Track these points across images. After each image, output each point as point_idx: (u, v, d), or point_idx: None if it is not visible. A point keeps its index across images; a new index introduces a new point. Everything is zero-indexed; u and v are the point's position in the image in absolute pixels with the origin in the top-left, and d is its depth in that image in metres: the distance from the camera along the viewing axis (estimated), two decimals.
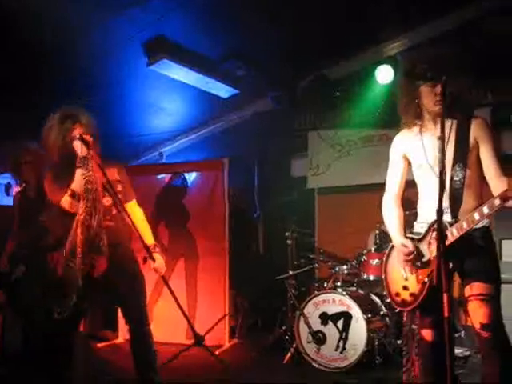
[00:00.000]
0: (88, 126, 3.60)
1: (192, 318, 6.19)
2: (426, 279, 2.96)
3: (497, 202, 2.63)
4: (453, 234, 2.83)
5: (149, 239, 3.77)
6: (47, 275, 3.59)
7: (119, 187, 3.71)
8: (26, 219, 4.89)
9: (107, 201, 3.59)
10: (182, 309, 3.88)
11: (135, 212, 3.83)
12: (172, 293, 3.76)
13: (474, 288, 2.90)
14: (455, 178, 2.96)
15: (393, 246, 3.31)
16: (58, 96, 5.55)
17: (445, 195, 2.81)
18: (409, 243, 3.08)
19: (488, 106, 6.04)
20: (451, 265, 2.79)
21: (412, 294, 3.07)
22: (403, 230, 3.25)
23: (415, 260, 3.05)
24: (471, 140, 2.98)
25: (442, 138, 2.65)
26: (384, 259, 3.38)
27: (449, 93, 2.79)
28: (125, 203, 3.71)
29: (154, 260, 3.67)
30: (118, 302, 3.76)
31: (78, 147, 3.45)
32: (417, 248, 3.06)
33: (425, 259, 3.02)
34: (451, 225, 2.87)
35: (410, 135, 3.23)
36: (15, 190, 6.80)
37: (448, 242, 2.77)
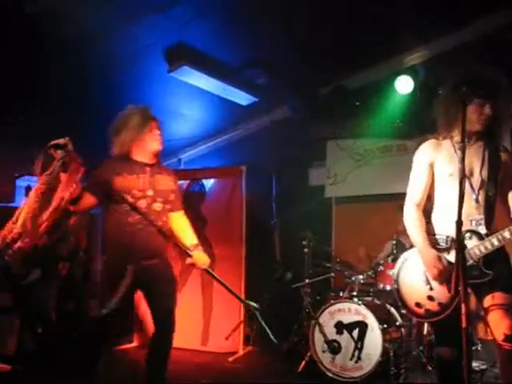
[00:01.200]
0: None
1: (207, 324, 6.22)
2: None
3: None
4: (493, 244, 2.89)
5: (190, 240, 3.83)
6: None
7: (171, 197, 3.79)
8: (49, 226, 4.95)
9: (158, 206, 3.64)
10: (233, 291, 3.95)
11: (181, 222, 3.91)
12: (221, 282, 3.81)
13: (496, 298, 2.88)
14: (489, 194, 3.01)
15: (406, 259, 3.29)
16: (79, 103, 5.66)
17: (479, 208, 2.97)
18: (443, 258, 3.06)
19: None
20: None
21: (440, 304, 3.03)
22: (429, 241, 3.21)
23: (448, 273, 2.98)
24: (503, 161, 3.08)
25: (463, 149, 2.65)
26: (397, 269, 3.34)
27: (495, 115, 2.92)
28: (172, 212, 3.82)
29: (190, 256, 3.71)
30: (150, 302, 3.72)
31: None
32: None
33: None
34: (487, 235, 2.91)
35: (439, 145, 3.23)
36: None
37: (486, 252, 2.89)
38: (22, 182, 7.10)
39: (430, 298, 3.07)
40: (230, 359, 5.79)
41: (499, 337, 2.85)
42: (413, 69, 6.10)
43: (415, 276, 3.19)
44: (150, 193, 3.61)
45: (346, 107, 6.71)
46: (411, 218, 3.26)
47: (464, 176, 2.59)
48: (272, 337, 3.93)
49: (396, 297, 3.32)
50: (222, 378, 5.13)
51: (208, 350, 6.20)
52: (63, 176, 3.42)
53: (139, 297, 3.67)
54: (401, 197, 6.33)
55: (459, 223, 2.48)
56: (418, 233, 3.19)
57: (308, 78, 6.45)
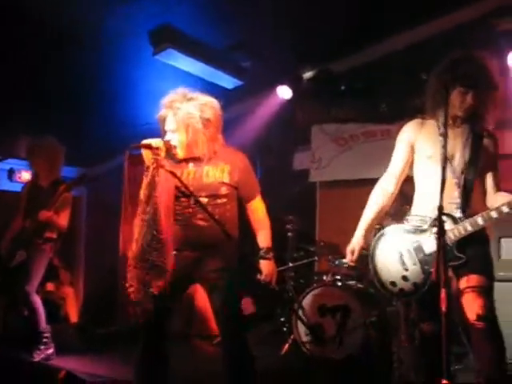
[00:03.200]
0: None
1: (191, 308, 6.24)
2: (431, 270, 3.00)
3: None
4: (466, 229, 2.92)
5: (261, 241, 3.51)
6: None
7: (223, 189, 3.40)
8: (34, 208, 4.94)
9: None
10: None
11: (255, 210, 3.55)
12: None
13: (470, 280, 2.96)
14: (468, 177, 3.07)
15: (382, 235, 3.35)
16: (65, 87, 5.61)
17: (457, 192, 3.03)
18: (357, 249, 3.34)
19: None
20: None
21: (415, 284, 3.10)
22: (371, 227, 3.40)
23: (419, 251, 3.10)
24: (484, 146, 3.14)
25: (444, 135, 2.68)
26: (372, 248, 3.39)
27: (477, 104, 3.02)
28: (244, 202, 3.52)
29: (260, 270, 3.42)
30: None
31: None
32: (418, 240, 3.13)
33: (430, 251, 3.04)
34: (460, 219, 2.97)
35: (423, 124, 3.29)
36: (20, 177, 6.87)
37: (460, 236, 2.93)
38: (4, 165, 7.06)
39: (405, 278, 3.13)
40: (214, 342, 5.81)
41: (472, 316, 2.92)
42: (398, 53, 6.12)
43: (390, 255, 3.25)
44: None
45: (331, 91, 6.72)
46: (372, 198, 3.47)
47: (446, 161, 2.62)
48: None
49: (372, 273, 3.35)
50: (205, 360, 5.15)
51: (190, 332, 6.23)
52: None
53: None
54: None
55: (440, 208, 2.52)
56: (366, 213, 3.42)
57: (293, 61, 6.43)
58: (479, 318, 2.89)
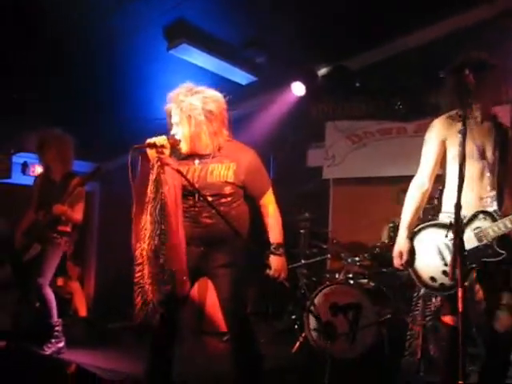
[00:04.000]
0: None
1: (202, 304, 6.23)
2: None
3: None
4: (506, 226, 2.95)
5: (272, 236, 3.49)
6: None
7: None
8: (46, 201, 4.95)
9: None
10: None
11: (265, 206, 3.54)
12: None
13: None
14: (500, 172, 3.11)
15: (420, 229, 3.34)
16: (78, 81, 5.62)
17: (489, 186, 3.09)
18: (405, 252, 3.27)
19: (508, 103, 5.96)
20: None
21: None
22: (412, 227, 3.33)
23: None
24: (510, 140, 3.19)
25: (463, 132, 2.65)
26: (410, 241, 3.36)
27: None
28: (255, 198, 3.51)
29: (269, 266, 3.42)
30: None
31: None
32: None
33: (468, 247, 3.01)
34: (496, 213, 3.02)
35: (451, 123, 3.25)
36: (33, 170, 6.90)
37: (500, 233, 2.97)
38: (18, 159, 7.08)
39: (445, 272, 3.14)
40: (225, 338, 5.80)
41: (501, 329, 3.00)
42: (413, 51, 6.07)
43: (429, 251, 3.25)
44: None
45: (346, 88, 6.67)
46: (408, 197, 3.39)
47: (464, 160, 2.58)
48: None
49: (410, 270, 3.35)
50: (215, 357, 5.14)
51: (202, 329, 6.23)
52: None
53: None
54: (399, 180, 6.36)
55: (458, 206, 2.48)
56: (405, 213, 3.36)
57: (308, 58, 6.39)
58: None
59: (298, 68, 6.65)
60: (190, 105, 3.28)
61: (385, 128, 6.82)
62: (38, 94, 5.69)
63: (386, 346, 4.87)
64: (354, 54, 6.55)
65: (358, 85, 6.55)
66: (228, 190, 3.36)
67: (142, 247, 3.10)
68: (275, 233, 3.50)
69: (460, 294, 2.26)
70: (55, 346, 4.89)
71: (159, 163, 3.14)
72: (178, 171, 3.17)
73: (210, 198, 3.26)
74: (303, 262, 5.88)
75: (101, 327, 6.09)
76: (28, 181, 6.34)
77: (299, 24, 5.59)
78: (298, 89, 6.79)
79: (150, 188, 3.14)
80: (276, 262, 3.44)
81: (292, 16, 5.44)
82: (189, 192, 3.28)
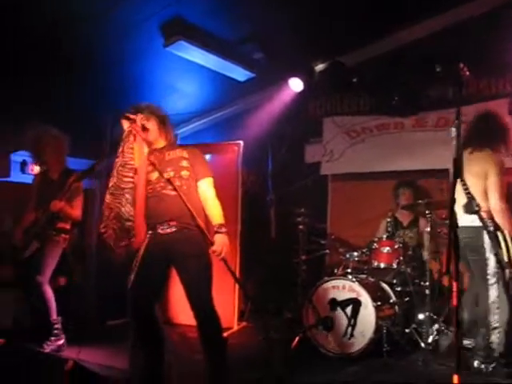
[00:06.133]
0: None
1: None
2: None
3: None
4: None
5: (214, 219, 3.70)
6: None
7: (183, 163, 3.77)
8: (45, 199, 4.95)
9: (168, 175, 3.65)
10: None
11: (204, 191, 3.79)
12: (234, 275, 3.70)
13: None
14: None
15: None
16: (75, 77, 5.62)
17: None
18: None
19: (506, 96, 5.98)
20: None
21: None
22: None
23: None
24: None
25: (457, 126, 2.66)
26: None
27: None
28: (195, 181, 3.78)
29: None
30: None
31: None
32: None
33: None
34: None
35: None
36: (32, 169, 6.90)
37: None
38: (17, 157, 7.09)
39: None
40: (225, 335, 5.80)
41: None
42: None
43: None
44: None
45: (343, 84, 6.68)
46: None
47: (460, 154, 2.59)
48: None
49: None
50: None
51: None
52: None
53: None
54: (398, 175, 6.37)
55: (452, 201, 2.49)
56: None
57: (305, 53, 6.39)
58: None
59: (295, 64, 6.65)
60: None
61: (382, 123, 6.83)
62: (35, 92, 5.69)
63: (384, 342, 4.87)
64: (350, 49, 6.55)
65: (354, 80, 6.54)
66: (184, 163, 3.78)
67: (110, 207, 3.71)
68: (217, 214, 3.73)
69: (455, 288, 2.27)
70: (55, 343, 4.90)
71: (132, 131, 3.65)
72: (144, 139, 3.72)
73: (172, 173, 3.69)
74: (302, 257, 5.89)
75: (99, 324, 6.10)
76: (27, 179, 6.35)
77: (296, 20, 5.60)
78: (296, 85, 6.80)
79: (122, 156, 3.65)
80: (219, 240, 3.60)
81: (289, 12, 5.45)
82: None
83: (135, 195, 3.62)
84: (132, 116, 3.69)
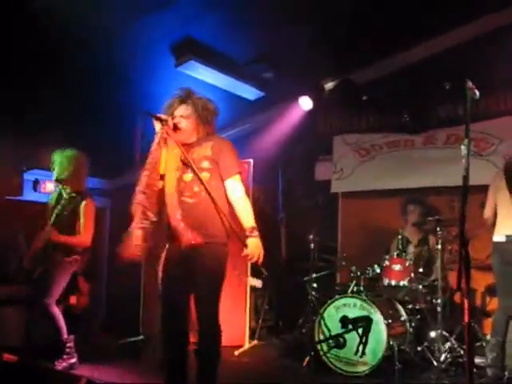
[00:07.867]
0: None
1: None
2: None
3: None
4: None
5: (245, 221, 3.54)
6: None
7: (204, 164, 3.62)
8: (59, 220, 4.95)
9: (187, 177, 3.56)
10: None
11: (232, 191, 3.63)
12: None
13: None
14: None
15: None
16: (88, 99, 5.67)
17: None
18: None
19: None
20: None
21: None
22: None
23: None
24: None
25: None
26: None
27: None
28: (221, 181, 3.64)
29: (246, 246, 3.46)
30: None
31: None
32: None
33: None
34: None
35: None
36: (45, 187, 6.93)
37: None
38: (29, 176, 7.13)
39: None
40: (236, 353, 5.81)
41: None
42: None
43: None
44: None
45: (353, 102, 6.71)
46: None
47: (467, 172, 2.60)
48: None
49: None
50: (227, 371, 5.14)
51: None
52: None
53: None
54: (408, 192, 6.35)
55: (463, 218, 2.50)
56: None
57: (315, 72, 6.43)
58: None
59: (305, 82, 6.70)
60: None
61: (392, 141, 6.84)
62: (49, 111, 5.74)
63: (396, 359, 4.85)
64: (360, 67, 6.59)
65: (365, 98, 6.57)
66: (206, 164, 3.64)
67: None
68: (248, 216, 3.59)
69: (466, 305, 2.27)
70: (67, 361, 4.91)
71: (163, 134, 3.60)
72: (177, 143, 3.59)
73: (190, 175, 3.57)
74: (313, 275, 5.89)
75: (111, 342, 6.11)
76: (39, 198, 6.38)
77: (306, 39, 5.64)
78: (306, 103, 6.85)
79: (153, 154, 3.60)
80: (252, 244, 3.48)
81: (298, 31, 5.49)
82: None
83: (165, 198, 3.56)
84: (164, 117, 3.63)
